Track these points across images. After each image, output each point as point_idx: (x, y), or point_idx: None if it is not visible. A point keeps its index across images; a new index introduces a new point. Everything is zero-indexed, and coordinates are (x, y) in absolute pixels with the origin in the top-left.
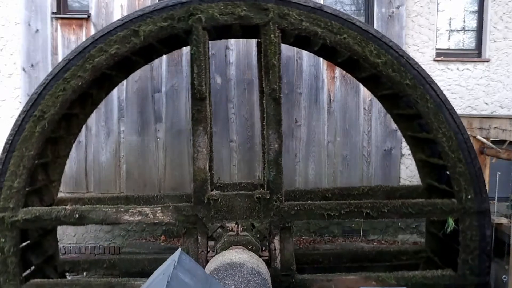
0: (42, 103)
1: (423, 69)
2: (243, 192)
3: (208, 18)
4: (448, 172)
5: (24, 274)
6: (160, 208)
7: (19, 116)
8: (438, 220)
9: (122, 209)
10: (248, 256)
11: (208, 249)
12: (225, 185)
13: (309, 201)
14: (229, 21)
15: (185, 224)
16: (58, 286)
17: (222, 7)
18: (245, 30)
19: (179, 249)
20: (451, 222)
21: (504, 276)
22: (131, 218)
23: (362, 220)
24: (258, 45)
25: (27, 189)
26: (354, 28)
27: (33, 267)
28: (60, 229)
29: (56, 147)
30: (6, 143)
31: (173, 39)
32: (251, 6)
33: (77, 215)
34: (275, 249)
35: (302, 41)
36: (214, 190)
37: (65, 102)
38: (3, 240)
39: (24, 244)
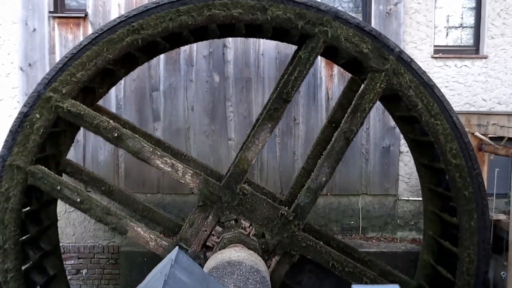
0: (146, 18)
1: (485, 188)
2: (271, 201)
3: (333, 37)
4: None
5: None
6: (192, 171)
7: (117, 18)
8: None
9: (158, 153)
10: (247, 254)
11: (213, 233)
12: (250, 182)
13: (322, 242)
14: (348, 50)
15: (205, 199)
16: (61, 185)
17: (350, 34)
18: (352, 63)
19: (177, 247)
20: None
21: (502, 272)
22: (161, 166)
23: (361, 218)
24: (352, 81)
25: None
26: (449, 120)
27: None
28: (59, 229)
29: (125, 63)
30: (93, 33)
31: (286, 32)
32: (375, 49)
33: (116, 134)
34: (268, 267)
35: (393, 101)
36: (246, 184)
37: (167, 30)
38: (38, 117)
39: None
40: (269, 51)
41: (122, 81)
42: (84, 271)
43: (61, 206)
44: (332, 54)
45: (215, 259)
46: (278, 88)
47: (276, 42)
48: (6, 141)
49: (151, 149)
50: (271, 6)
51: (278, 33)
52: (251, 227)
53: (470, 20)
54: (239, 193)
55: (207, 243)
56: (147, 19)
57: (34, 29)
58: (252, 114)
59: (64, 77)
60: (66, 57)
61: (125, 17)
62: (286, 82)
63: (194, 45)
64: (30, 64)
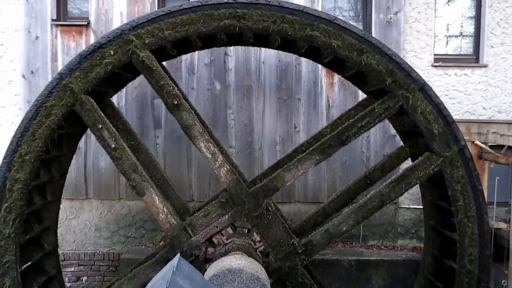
0: (251, 10)
1: (484, 285)
2: (288, 227)
3: (412, 105)
4: None
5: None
6: (228, 167)
7: (215, 2)
8: None
9: (206, 136)
10: (248, 262)
11: (223, 233)
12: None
13: (316, 285)
14: (419, 123)
15: (229, 198)
16: (103, 125)
17: (428, 110)
18: (411, 133)
19: (178, 254)
20: None
21: (503, 281)
22: (203, 150)
23: (361, 225)
24: (402, 149)
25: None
26: (481, 228)
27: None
28: (59, 235)
29: (206, 40)
30: (196, 1)
31: (366, 79)
32: (443, 133)
33: (176, 102)
34: None
35: (433, 185)
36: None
37: (265, 30)
38: (112, 54)
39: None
40: (270, 59)
41: (123, 89)
42: (84, 278)
43: (62, 213)
44: (398, 117)
45: (215, 266)
46: (340, 127)
47: (277, 51)
48: (71, 61)
49: (201, 130)
50: (368, 52)
51: (358, 77)
52: (260, 243)
53: (470, 29)
54: (263, 206)
55: (213, 239)
56: (252, 11)
57: (37, 37)
58: (253, 122)
59: (152, 29)
60: (162, 11)
61: (233, 1)
62: (350, 125)
63: (196, 53)
64: (32, 72)
